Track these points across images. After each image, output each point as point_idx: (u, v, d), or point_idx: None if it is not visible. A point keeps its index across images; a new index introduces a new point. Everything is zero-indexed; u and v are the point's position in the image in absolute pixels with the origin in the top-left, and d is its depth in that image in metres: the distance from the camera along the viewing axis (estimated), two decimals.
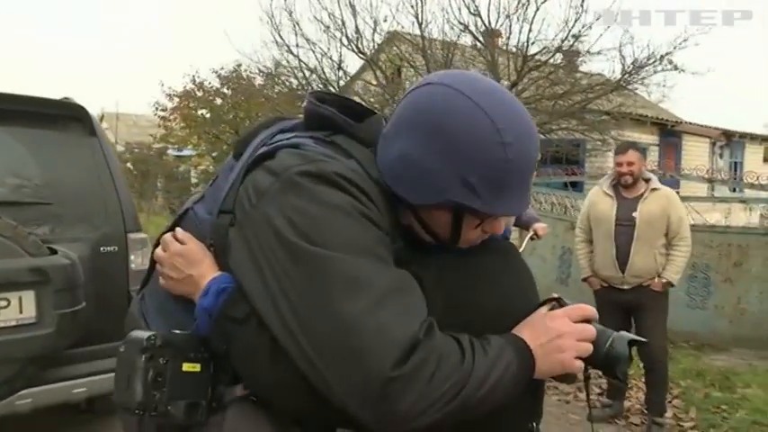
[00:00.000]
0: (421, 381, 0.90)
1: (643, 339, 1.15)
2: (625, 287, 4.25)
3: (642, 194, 4.28)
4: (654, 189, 4.29)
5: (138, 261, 3.55)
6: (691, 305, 6.44)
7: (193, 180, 15.86)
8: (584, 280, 4.56)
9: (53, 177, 3.47)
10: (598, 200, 4.44)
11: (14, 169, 3.40)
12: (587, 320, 1.11)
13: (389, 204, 1.07)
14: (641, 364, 4.70)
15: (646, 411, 4.52)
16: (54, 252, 3.10)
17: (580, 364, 1.08)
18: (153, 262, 1.26)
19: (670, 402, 4.69)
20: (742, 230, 6.73)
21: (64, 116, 3.59)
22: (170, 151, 17.03)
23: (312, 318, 0.92)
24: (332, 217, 0.96)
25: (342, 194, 0.99)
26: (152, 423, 1.12)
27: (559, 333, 1.07)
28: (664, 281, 4.24)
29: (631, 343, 1.11)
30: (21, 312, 2.93)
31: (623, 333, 1.12)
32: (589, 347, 1.09)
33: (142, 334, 1.09)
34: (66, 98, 3.88)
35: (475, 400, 0.95)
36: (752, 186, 7.08)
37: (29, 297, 2.95)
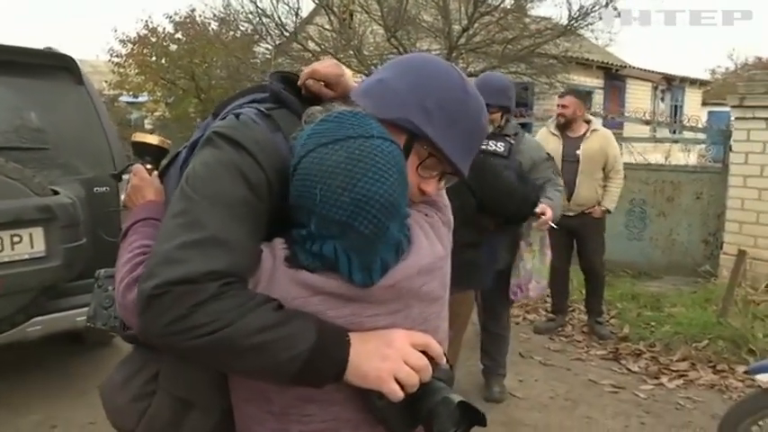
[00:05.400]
0: (181, 306, 0.96)
1: (478, 408, 1.03)
2: (570, 214, 4.80)
3: (584, 134, 4.94)
4: (594, 130, 4.97)
5: None
6: (629, 237, 7.05)
7: (148, 127, 15.76)
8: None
9: (47, 124, 3.68)
10: (546, 140, 4.90)
11: (12, 117, 3.60)
12: (428, 356, 1.08)
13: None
14: (582, 290, 5.32)
15: (586, 330, 5.13)
16: (56, 192, 3.36)
17: (396, 388, 1.03)
18: None
19: (607, 322, 5.28)
20: (674, 168, 7.31)
21: (53, 66, 3.78)
22: (122, 98, 16.82)
23: (160, 242, 1.04)
24: (216, 170, 1.08)
25: (235, 154, 1.10)
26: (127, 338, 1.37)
27: (390, 343, 1.06)
28: (603, 208, 4.98)
29: (462, 408, 1.03)
30: (32, 247, 3.21)
31: (457, 397, 1.03)
32: (412, 375, 1.04)
33: (99, 270, 1.44)
34: (49, 48, 4.05)
35: (237, 346, 0.98)
36: (691, 129, 7.59)
37: (38, 233, 3.23)
